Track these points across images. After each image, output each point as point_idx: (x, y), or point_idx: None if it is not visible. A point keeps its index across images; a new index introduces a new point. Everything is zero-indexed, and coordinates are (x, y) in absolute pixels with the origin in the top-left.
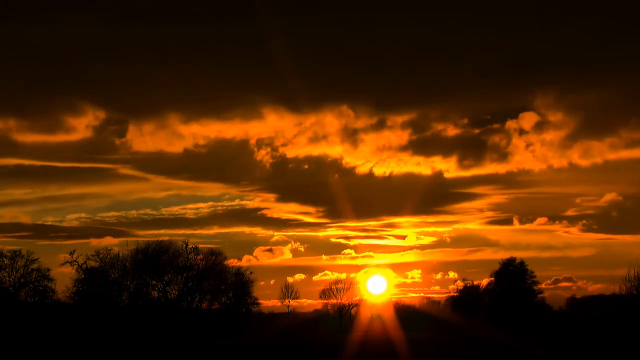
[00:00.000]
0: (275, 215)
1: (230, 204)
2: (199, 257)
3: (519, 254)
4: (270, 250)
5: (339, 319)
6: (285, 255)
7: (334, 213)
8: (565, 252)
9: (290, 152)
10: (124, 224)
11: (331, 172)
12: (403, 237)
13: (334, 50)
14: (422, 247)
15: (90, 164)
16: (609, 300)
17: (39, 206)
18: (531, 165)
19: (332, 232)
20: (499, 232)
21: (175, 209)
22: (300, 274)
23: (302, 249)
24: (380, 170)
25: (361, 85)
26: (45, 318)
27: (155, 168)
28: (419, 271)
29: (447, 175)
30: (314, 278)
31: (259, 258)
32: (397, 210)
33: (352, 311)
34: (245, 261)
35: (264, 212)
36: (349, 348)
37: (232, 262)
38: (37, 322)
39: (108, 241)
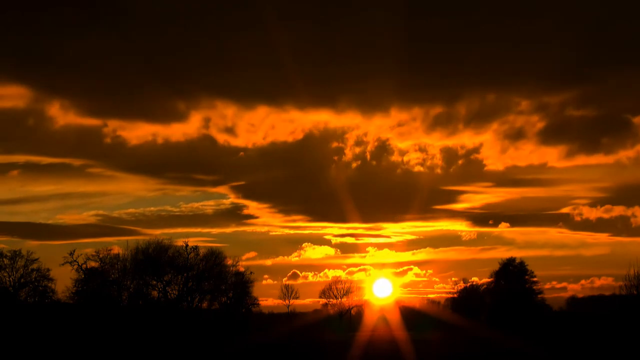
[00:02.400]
0: (283, 214)
1: (244, 201)
2: (199, 256)
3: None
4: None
5: (339, 319)
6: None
7: (339, 213)
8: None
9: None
10: (142, 222)
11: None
12: (406, 235)
13: (455, 38)
14: (435, 245)
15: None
16: (609, 300)
17: (60, 202)
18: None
19: (335, 232)
20: (512, 232)
21: (196, 206)
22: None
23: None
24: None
25: (488, 69)
26: (45, 318)
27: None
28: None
29: (550, 164)
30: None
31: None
32: (402, 209)
33: (352, 311)
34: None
35: (273, 210)
36: (349, 349)
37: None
38: (37, 322)
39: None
